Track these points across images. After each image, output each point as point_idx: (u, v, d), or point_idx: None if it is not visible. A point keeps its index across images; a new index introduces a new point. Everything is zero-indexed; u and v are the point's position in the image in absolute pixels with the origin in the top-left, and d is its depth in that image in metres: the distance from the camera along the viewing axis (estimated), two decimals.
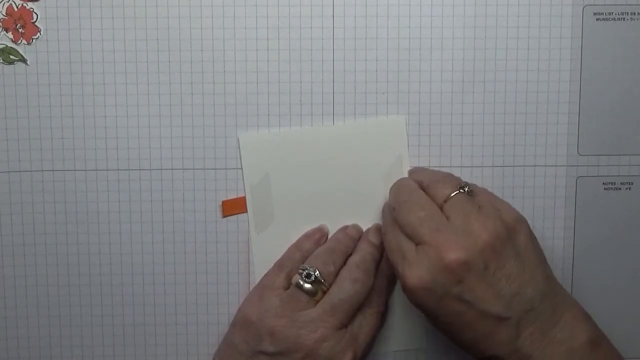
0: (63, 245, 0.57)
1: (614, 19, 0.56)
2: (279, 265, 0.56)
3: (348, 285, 0.53)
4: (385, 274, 0.56)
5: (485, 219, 0.49)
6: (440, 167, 0.57)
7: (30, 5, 0.55)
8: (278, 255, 0.57)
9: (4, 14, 0.55)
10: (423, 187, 0.52)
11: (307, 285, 0.53)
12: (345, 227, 0.57)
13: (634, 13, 0.56)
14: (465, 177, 0.57)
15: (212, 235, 0.57)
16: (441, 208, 0.50)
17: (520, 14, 0.55)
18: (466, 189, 0.51)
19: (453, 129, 0.57)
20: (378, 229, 0.56)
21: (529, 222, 0.54)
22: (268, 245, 0.57)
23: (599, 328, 0.51)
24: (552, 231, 0.57)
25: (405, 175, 0.57)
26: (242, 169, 0.57)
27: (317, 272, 0.53)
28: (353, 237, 0.56)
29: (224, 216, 0.57)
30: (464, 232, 0.48)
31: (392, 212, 0.52)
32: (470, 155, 0.57)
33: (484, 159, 0.57)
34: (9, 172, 0.56)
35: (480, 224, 0.49)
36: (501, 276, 0.48)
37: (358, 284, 0.53)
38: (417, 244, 0.49)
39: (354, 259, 0.55)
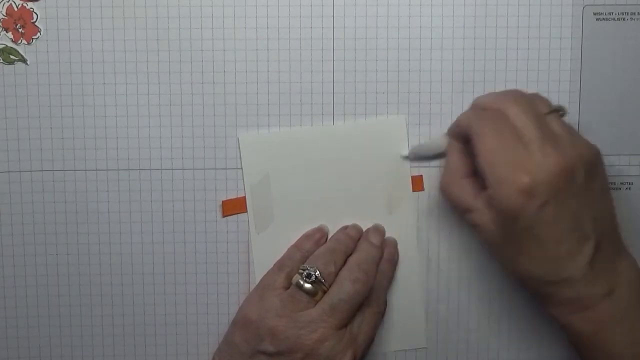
0: (63, 245, 0.57)
1: (614, 19, 0.56)
2: (279, 265, 0.56)
3: (348, 285, 0.53)
4: (385, 274, 0.56)
5: (579, 139, 0.50)
6: (440, 167, 0.57)
7: (30, 5, 0.55)
8: (278, 255, 0.56)
9: (4, 14, 0.55)
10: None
11: (308, 286, 0.53)
12: (345, 227, 0.57)
13: (634, 13, 0.56)
14: None
15: (212, 235, 0.57)
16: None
17: (520, 14, 0.56)
18: (560, 112, 0.52)
19: None
20: (377, 229, 0.56)
21: None
22: (268, 245, 0.57)
23: None
24: None
25: (407, 175, 0.57)
26: (242, 169, 0.57)
27: (318, 272, 0.53)
28: (353, 237, 0.56)
29: (224, 216, 0.57)
30: (571, 144, 0.49)
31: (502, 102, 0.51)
32: None
33: None
34: (8, 172, 0.56)
35: (581, 142, 0.50)
36: (591, 196, 0.49)
37: (358, 284, 0.53)
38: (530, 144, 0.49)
39: (354, 259, 0.55)
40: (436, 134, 0.56)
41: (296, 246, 0.56)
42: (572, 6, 0.56)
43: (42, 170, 0.56)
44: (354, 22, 0.55)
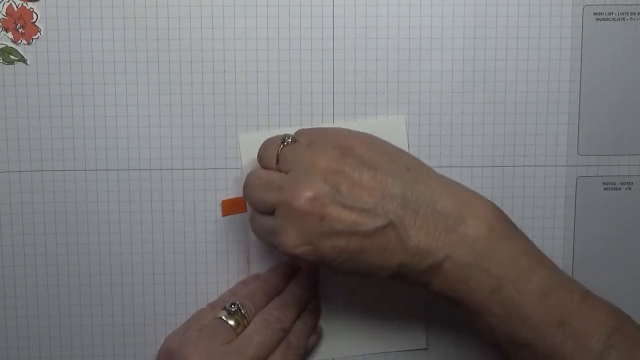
0: (63, 245, 0.57)
1: (614, 19, 0.56)
2: (212, 306, 0.56)
3: (261, 327, 0.52)
4: (306, 323, 0.56)
5: (314, 150, 0.49)
6: (440, 167, 0.57)
7: (30, 5, 0.55)
8: (278, 255, 0.56)
9: (4, 14, 0.55)
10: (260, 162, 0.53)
11: (229, 317, 0.53)
12: (277, 267, 0.57)
13: (634, 13, 0.56)
14: (466, 177, 0.57)
15: (212, 235, 0.57)
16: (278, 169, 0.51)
17: (520, 14, 0.56)
18: (289, 139, 0.51)
19: (453, 129, 0.57)
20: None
21: (529, 222, 0.54)
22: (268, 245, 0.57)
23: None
24: (552, 231, 0.57)
25: None
26: (242, 169, 0.57)
27: (241, 307, 0.53)
28: (284, 275, 0.56)
29: (224, 215, 0.57)
30: (302, 173, 0.49)
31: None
32: (470, 155, 0.57)
33: (484, 159, 0.57)
34: (8, 172, 0.56)
35: (310, 156, 0.49)
36: (358, 190, 0.48)
37: (271, 326, 0.53)
38: (273, 212, 0.49)
39: (274, 302, 0.54)
40: None
41: (231, 291, 0.57)
42: (572, 6, 0.56)
43: (42, 170, 0.56)
44: (354, 22, 0.56)
